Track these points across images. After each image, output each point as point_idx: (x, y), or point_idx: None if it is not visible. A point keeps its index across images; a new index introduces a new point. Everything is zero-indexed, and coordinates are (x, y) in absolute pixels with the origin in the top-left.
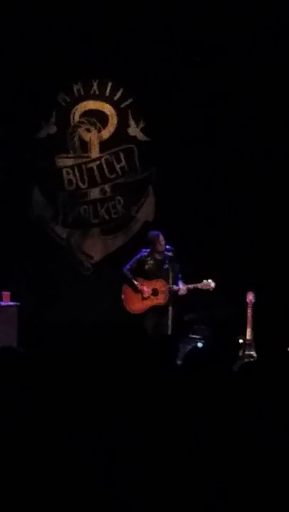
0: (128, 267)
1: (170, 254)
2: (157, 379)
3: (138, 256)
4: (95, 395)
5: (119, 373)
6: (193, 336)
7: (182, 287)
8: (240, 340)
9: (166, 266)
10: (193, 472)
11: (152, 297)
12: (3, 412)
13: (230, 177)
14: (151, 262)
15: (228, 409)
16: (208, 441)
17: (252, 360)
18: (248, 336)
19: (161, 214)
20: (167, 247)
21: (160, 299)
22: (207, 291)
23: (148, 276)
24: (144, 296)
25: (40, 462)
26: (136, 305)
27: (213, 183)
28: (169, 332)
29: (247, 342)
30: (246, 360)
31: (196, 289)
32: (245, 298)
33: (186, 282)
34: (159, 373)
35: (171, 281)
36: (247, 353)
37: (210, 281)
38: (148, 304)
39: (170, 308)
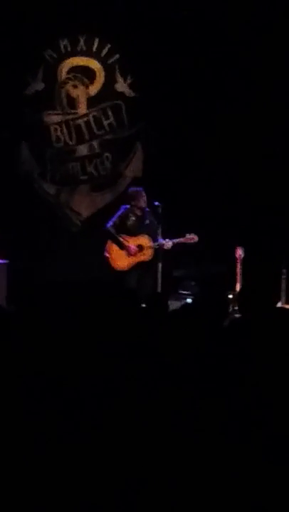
0: (111, 223)
1: (151, 210)
2: (148, 335)
3: (120, 212)
4: (84, 352)
5: (108, 330)
6: (183, 292)
7: (167, 241)
8: (230, 296)
9: (147, 222)
10: (184, 428)
11: (138, 253)
12: None
13: (218, 132)
14: (133, 218)
15: (219, 363)
16: (199, 395)
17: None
18: (238, 291)
19: (149, 170)
20: (155, 203)
21: (145, 255)
22: (193, 246)
23: (130, 232)
24: (131, 252)
25: (32, 418)
26: (121, 262)
27: (201, 139)
28: (159, 288)
29: (236, 297)
30: (236, 315)
31: (181, 244)
32: (234, 253)
33: (172, 238)
34: (149, 329)
35: (153, 236)
36: (237, 308)
37: (193, 234)
38: (134, 260)
39: (159, 264)
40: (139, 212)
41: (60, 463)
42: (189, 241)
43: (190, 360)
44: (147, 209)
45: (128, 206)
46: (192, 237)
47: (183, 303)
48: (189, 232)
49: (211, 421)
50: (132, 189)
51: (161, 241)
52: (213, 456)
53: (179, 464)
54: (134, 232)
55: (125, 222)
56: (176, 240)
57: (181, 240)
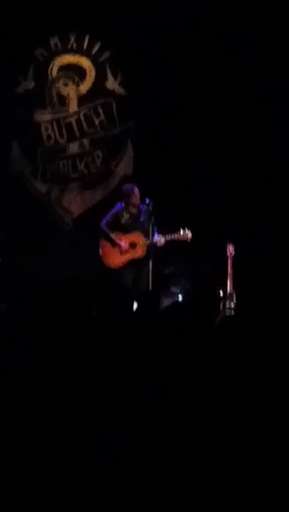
0: (104, 221)
1: (145, 207)
2: (139, 332)
3: (114, 210)
4: (76, 350)
5: (100, 327)
6: (174, 290)
7: (160, 238)
8: (221, 293)
9: (142, 219)
10: (175, 427)
11: (130, 251)
12: None
13: (209, 129)
14: (127, 215)
15: (210, 362)
16: (190, 394)
17: (232, 313)
18: (229, 288)
19: (140, 168)
20: (146, 200)
21: (138, 252)
22: (185, 242)
23: (124, 229)
24: (122, 249)
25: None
26: (114, 259)
27: (191, 136)
28: (150, 286)
29: (227, 295)
30: (227, 313)
31: (174, 240)
32: (225, 250)
33: (164, 235)
34: (140, 327)
35: (147, 234)
36: (228, 305)
37: (187, 231)
38: (126, 257)
39: (150, 261)
40: (133, 210)
41: (58, 464)
42: (183, 238)
43: (181, 358)
44: (142, 206)
45: (122, 203)
46: (186, 234)
47: (174, 300)
48: (183, 229)
49: (204, 418)
50: (126, 186)
51: (156, 237)
52: (208, 454)
53: (176, 463)
54: (128, 230)
55: (119, 219)
56: (169, 237)
57: (175, 236)
